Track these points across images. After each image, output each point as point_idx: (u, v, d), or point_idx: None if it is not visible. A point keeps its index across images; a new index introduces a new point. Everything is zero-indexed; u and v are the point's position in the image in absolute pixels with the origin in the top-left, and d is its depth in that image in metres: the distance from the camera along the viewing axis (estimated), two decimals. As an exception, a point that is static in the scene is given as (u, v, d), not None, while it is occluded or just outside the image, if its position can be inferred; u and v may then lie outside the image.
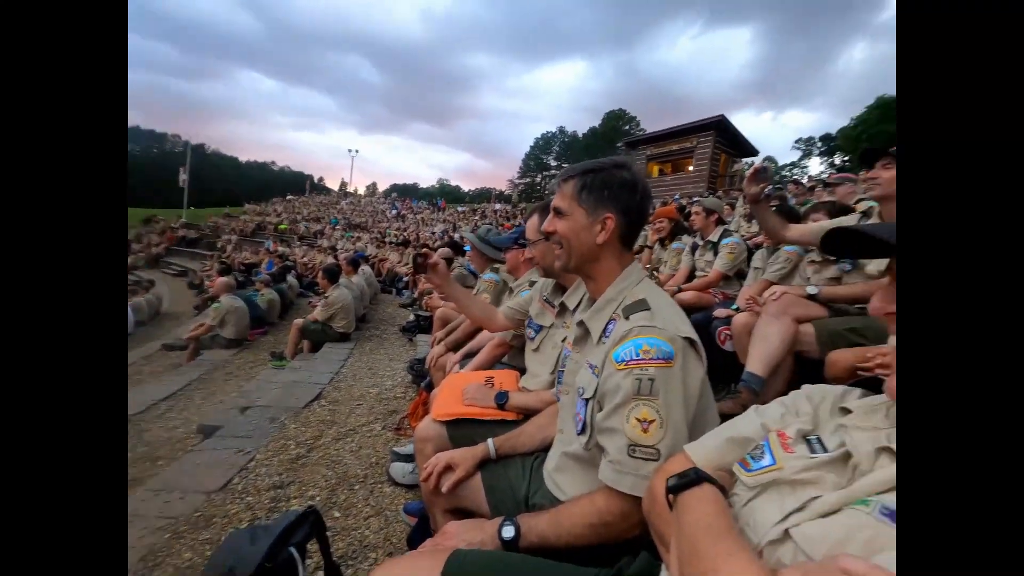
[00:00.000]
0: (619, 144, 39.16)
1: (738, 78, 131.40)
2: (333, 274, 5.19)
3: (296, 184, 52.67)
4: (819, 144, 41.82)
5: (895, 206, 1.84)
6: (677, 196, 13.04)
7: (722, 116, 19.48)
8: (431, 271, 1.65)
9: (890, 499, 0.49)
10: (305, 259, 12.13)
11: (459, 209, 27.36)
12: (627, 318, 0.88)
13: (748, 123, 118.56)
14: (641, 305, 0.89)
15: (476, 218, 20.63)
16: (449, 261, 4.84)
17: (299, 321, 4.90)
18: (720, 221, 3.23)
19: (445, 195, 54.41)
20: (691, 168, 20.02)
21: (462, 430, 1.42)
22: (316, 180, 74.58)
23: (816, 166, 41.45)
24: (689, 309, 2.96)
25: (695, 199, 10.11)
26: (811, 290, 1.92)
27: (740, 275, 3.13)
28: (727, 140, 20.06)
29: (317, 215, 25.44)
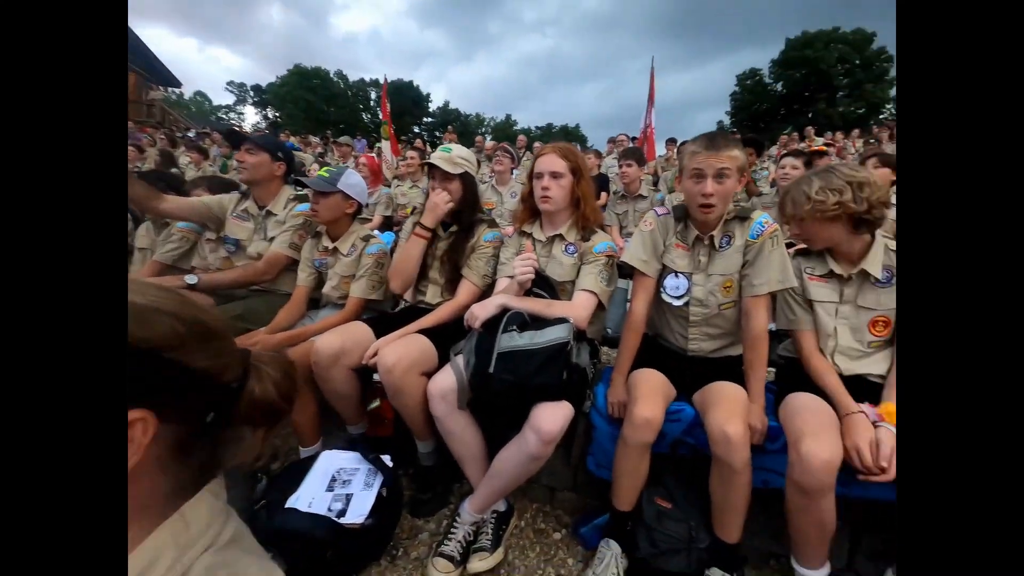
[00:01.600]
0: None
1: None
2: None
3: None
4: (251, 94, 42.41)
5: (263, 191, 2.03)
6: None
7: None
8: None
9: None
10: None
11: None
12: None
13: (167, 44, 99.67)
14: None
15: None
16: None
17: None
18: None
19: None
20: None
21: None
22: None
23: (252, 115, 42.14)
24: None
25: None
26: (190, 280, 1.82)
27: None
28: (135, 56, 16.06)
29: None
